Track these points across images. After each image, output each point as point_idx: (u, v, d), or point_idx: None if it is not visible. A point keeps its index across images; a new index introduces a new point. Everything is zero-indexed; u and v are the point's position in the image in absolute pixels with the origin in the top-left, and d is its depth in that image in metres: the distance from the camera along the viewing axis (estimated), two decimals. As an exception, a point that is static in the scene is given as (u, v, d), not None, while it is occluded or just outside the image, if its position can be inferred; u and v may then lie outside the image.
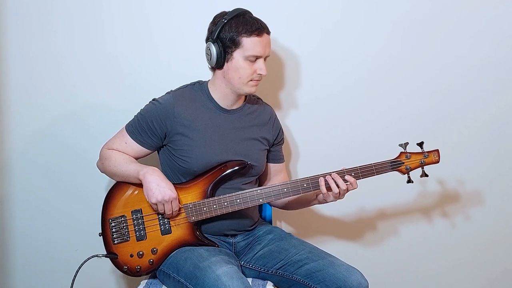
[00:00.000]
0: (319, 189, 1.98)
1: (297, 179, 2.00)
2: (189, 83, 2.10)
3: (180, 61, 2.36)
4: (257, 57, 1.97)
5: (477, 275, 2.60)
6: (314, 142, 2.46)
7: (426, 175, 2.04)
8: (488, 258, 2.60)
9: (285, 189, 1.99)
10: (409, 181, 2.03)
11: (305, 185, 1.99)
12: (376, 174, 2.01)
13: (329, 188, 1.98)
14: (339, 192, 1.97)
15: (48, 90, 2.36)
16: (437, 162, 2.05)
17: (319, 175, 1.99)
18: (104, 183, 2.34)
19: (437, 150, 2.05)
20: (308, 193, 2.04)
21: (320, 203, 2.07)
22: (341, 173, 1.98)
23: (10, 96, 2.35)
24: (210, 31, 2.00)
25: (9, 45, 2.33)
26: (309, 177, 1.99)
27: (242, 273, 1.93)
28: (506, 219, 2.57)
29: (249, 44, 1.94)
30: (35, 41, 2.33)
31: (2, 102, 2.35)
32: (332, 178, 1.97)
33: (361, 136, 2.46)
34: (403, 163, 2.03)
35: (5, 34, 2.32)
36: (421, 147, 2.04)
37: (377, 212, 2.52)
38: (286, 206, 2.21)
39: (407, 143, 2.02)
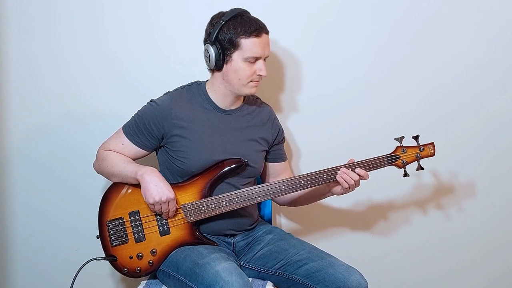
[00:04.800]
0: (318, 185, 1.99)
1: (295, 176, 2.00)
2: (186, 83, 2.08)
3: (181, 61, 2.34)
4: (256, 58, 1.94)
5: (477, 272, 2.61)
6: (313, 141, 2.45)
7: (422, 168, 2.04)
8: (487, 256, 2.59)
9: (283, 187, 1.99)
10: (405, 174, 2.04)
11: (303, 182, 1.99)
12: (373, 169, 2.01)
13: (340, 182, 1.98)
14: (355, 184, 1.97)
15: (48, 89, 2.36)
16: (433, 155, 2.05)
17: (317, 171, 1.99)
18: (105, 183, 2.33)
19: (433, 143, 2.05)
20: (320, 187, 2.04)
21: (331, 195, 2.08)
22: (338, 169, 1.98)
23: (11, 95, 2.35)
24: (208, 33, 1.97)
25: (9, 45, 2.31)
26: (307, 173, 1.99)
27: (242, 273, 1.93)
28: (503, 214, 2.57)
29: (248, 45, 1.91)
30: (35, 41, 2.32)
31: (2, 101, 2.35)
32: (344, 172, 1.97)
33: (361, 135, 2.45)
34: (400, 157, 2.03)
35: (6, 34, 2.31)
36: (417, 141, 2.04)
37: (374, 206, 2.52)
38: (293, 202, 2.20)
39: (402, 137, 2.02)
